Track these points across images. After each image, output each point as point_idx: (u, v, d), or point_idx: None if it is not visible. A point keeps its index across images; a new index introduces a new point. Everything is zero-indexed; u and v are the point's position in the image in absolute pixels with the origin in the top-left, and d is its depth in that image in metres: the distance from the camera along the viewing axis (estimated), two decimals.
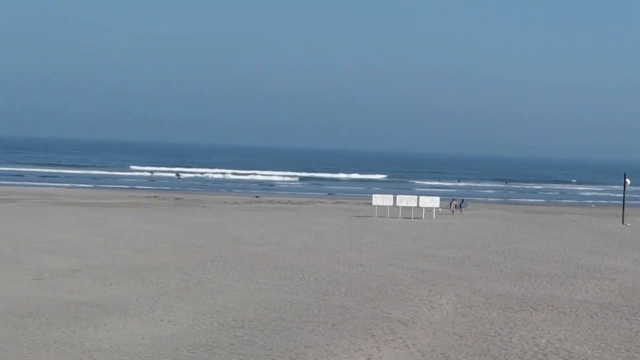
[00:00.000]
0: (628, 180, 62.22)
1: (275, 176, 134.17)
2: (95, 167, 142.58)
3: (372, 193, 71.62)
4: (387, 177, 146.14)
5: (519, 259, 33.66)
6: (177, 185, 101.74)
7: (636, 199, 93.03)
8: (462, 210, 61.45)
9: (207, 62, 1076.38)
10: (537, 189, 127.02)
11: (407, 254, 34.15)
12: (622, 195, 62.62)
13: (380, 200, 56.22)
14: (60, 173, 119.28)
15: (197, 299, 22.10)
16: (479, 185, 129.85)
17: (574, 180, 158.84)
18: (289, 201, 71.94)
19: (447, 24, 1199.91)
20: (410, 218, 53.96)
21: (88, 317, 19.37)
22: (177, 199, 69.81)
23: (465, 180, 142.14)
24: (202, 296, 22.60)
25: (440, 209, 58.83)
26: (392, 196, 56.98)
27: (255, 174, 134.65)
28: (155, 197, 71.52)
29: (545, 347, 17.98)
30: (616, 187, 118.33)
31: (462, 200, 66.73)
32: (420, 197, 57.15)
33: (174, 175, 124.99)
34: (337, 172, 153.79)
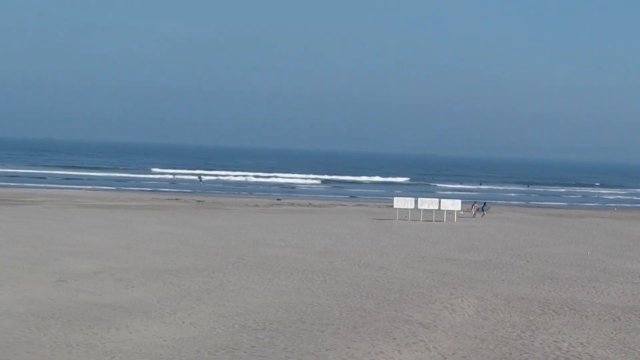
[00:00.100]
0: None
1: (297, 179, 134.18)
2: (117, 169, 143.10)
3: (393, 196, 71.63)
4: (409, 180, 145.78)
5: (541, 262, 33.50)
6: (199, 187, 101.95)
7: None
8: (484, 213, 61.24)
9: (207, 62, 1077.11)
10: (560, 192, 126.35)
11: (428, 257, 34.08)
12: None
13: (402, 203, 56.14)
14: (83, 175, 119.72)
15: (218, 301, 22.16)
16: (500, 188, 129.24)
17: (597, 184, 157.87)
18: (310, 204, 71.94)
19: (447, 24, 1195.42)
20: (431, 221, 53.84)
21: (110, 318, 19.48)
22: (199, 201, 69.98)
23: (487, 183, 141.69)
24: (223, 298, 22.65)
25: (462, 212, 58.69)
26: (413, 199, 56.87)
27: (276, 177, 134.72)
28: (177, 199, 71.73)
29: (567, 351, 17.91)
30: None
31: (485, 203, 66.47)
32: (442, 200, 57.03)
33: (195, 177, 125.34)
34: (359, 175, 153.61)
